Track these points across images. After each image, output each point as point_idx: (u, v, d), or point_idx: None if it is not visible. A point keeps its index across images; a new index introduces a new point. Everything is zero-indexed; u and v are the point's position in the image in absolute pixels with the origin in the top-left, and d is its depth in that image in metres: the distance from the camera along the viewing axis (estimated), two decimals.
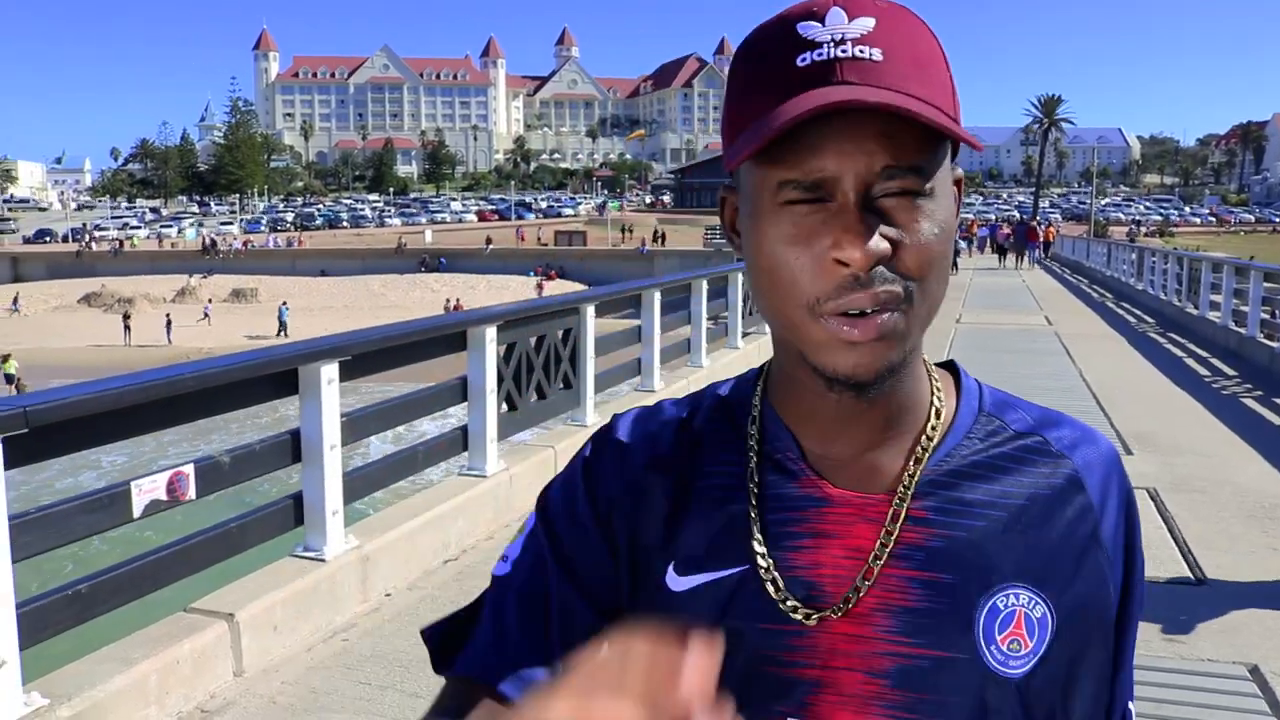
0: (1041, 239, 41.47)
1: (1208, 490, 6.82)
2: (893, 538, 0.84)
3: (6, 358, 35.82)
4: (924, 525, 0.85)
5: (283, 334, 41.12)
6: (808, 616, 0.83)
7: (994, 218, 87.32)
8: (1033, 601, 0.83)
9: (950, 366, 0.96)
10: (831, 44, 0.78)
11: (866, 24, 0.78)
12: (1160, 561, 5.40)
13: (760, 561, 0.85)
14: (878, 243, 0.76)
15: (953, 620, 0.83)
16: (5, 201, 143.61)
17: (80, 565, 8.19)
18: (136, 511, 3.68)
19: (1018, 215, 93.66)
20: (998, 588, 0.83)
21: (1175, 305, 19.12)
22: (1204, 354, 14.20)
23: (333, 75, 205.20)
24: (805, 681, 0.84)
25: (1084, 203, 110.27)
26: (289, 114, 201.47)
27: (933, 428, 0.89)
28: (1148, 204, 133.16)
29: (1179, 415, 9.72)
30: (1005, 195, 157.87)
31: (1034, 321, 18.35)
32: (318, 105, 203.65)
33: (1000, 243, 40.20)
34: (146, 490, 3.72)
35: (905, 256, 0.78)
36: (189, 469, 3.93)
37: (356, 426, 5.00)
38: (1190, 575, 5.21)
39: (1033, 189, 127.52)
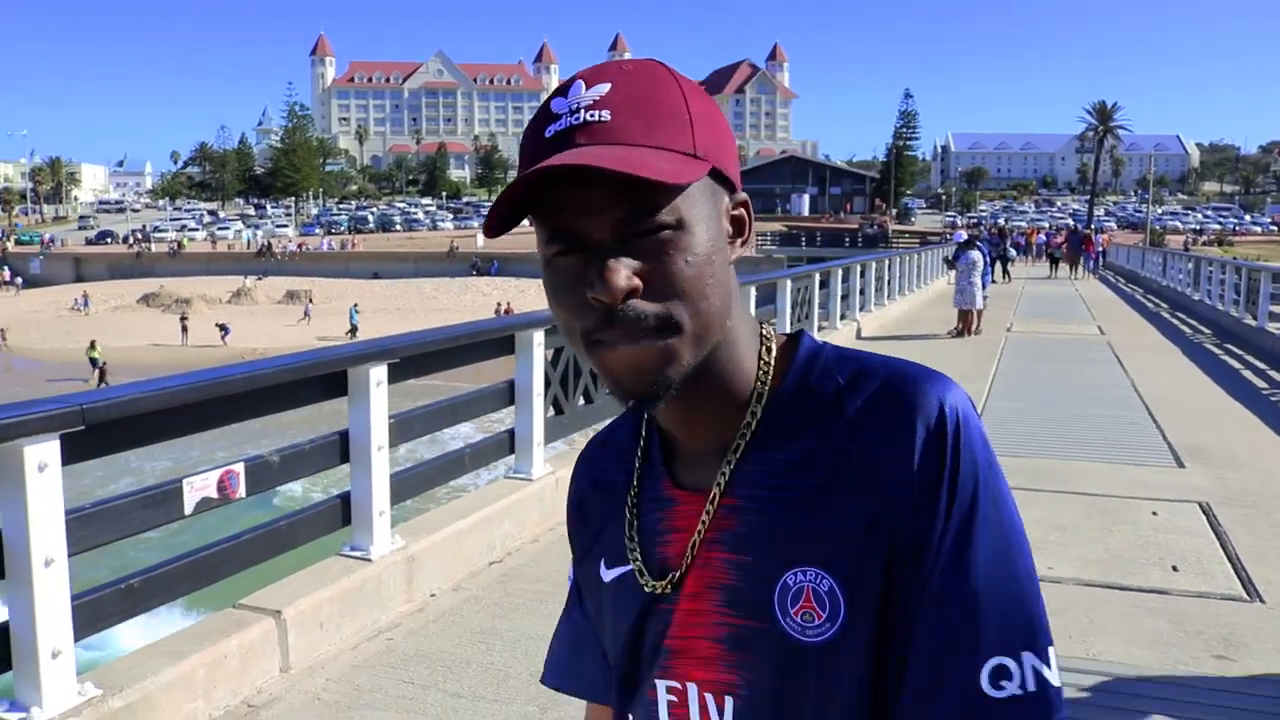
0: (1099, 248, 40.78)
1: (1261, 505, 6.69)
2: (705, 526, 0.97)
3: (93, 344, 39.29)
4: (735, 512, 0.96)
5: (353, 337, 41.62)
6: (656, 590, 0.99)
7: (1048, 225, 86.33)
8: (819, 577, 0.91)
9: (796, 337, 1.03)
10: (568, 113, 0.90)
11: (600, 90, 0.90)
12: (1212, 576, 5.32)
13: (634, 557, 1.02)
14: (626, 279, 0.87)
15: (756, 596, 0.94)
16: (98, 205, 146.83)
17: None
18: (188, 508, 3.75)
19: (1071, 223, 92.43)
20: (787, 567, 0.93)
21: (1233, 316, 18.75)
22: (1262, 366, 13.93)
23: (388, 80, 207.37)
24: (670, 650, 1.00)
25: (1140, 211, 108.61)
26: (344, 118, 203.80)
27: (750, 417, 0.98)
28: (1207, 212, 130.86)
29: (1234, 428, 9.54)
30: (1059, 203, 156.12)
31: (1087, 331, 18.12)
32: (373, 110, 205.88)
33: (1052, 251, 39.49)
34: (198, 488, 3.79)
35: (659, 286, 0.88)
36: (239, 467, 4.00)
37: (404, 428, 5.06)
38: (1243, 591, 5.13)
39: (1087, 197, 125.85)
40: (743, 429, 0.98)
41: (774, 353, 1.01)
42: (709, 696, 0.98)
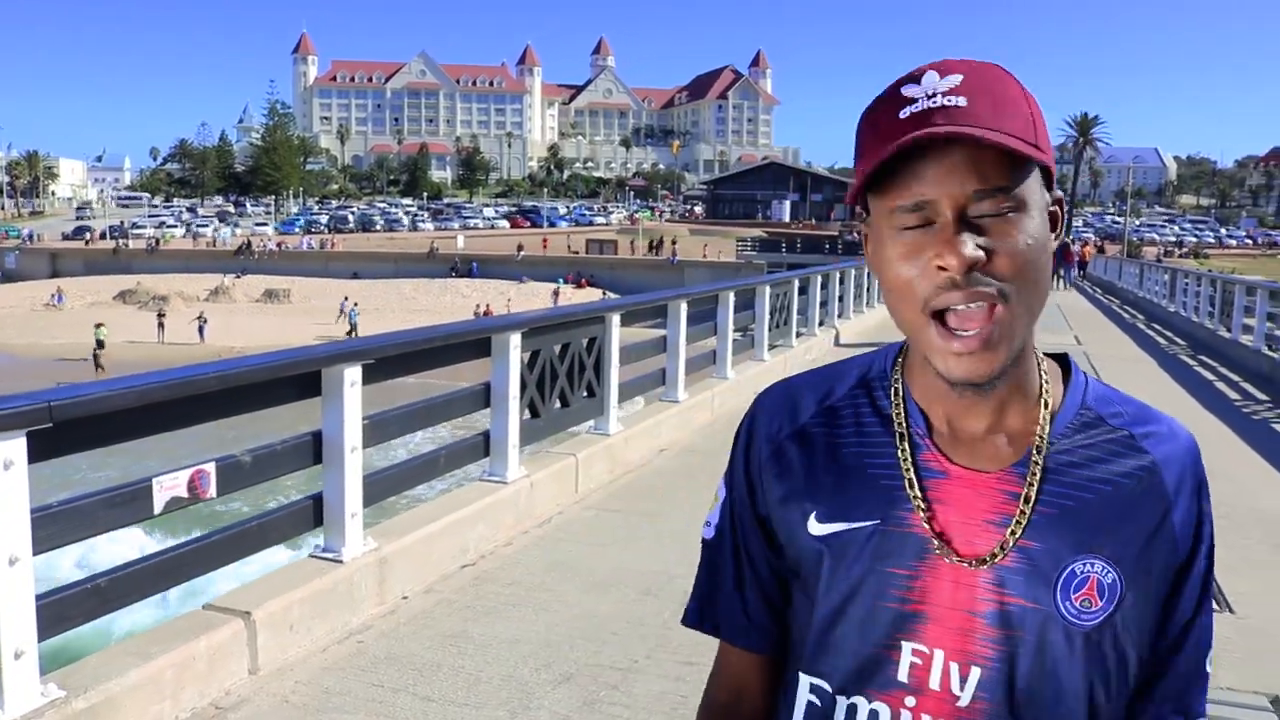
0: (1077, 259, 40.80)
1: (1233, 516, 6.73)
2: (1027, 516, 1.05)
3: (100, 325, 40.62)
4: (1022, 502, 1.05)
5: (353, 335, 41.47)
6: (949, 557, 1.05)
7: None
8: (1105, 570, 1.04)
9: (1062, 359, 1.14)
10: (925, 98, 0.98)
11: (954, 80, 0.99)
12: None
13: (921, 520, 1.06)
14: (972, 251, 0.96)
15: (1038, 579, 1.03)
16: (119, 198, 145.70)
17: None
18: (157, 508, 3.71)
19: None
20: (1078, 557, 1.04)
21: (1208, 328, 18.91)
22: (1235, 378, 14.05)
23: (370, 80, 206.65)
24: (918, 615, 1.06)
25: (1118, 222, 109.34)
26: (326, 117, 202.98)
27: (1043, 419, 1.07)
28: (1184, 225, 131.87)
29: (1207, 439, 9.54)
30: None
31: (1064, 341, 18.19)
32: (354, 109, 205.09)
33: None
34: (168, 487, 3.75)
35: (997, 262, 0.97)
36: (210, 467, 3.96)
37: (378, 429, 5.02)
38: (1213, 603, 5.14)
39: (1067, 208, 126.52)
40: (1039, 426, 1.07)
41: (1044, 362, 1.12)
42: (954, 665, 1.04)
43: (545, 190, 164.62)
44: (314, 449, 4.63)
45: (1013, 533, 1.04)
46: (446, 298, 58.43)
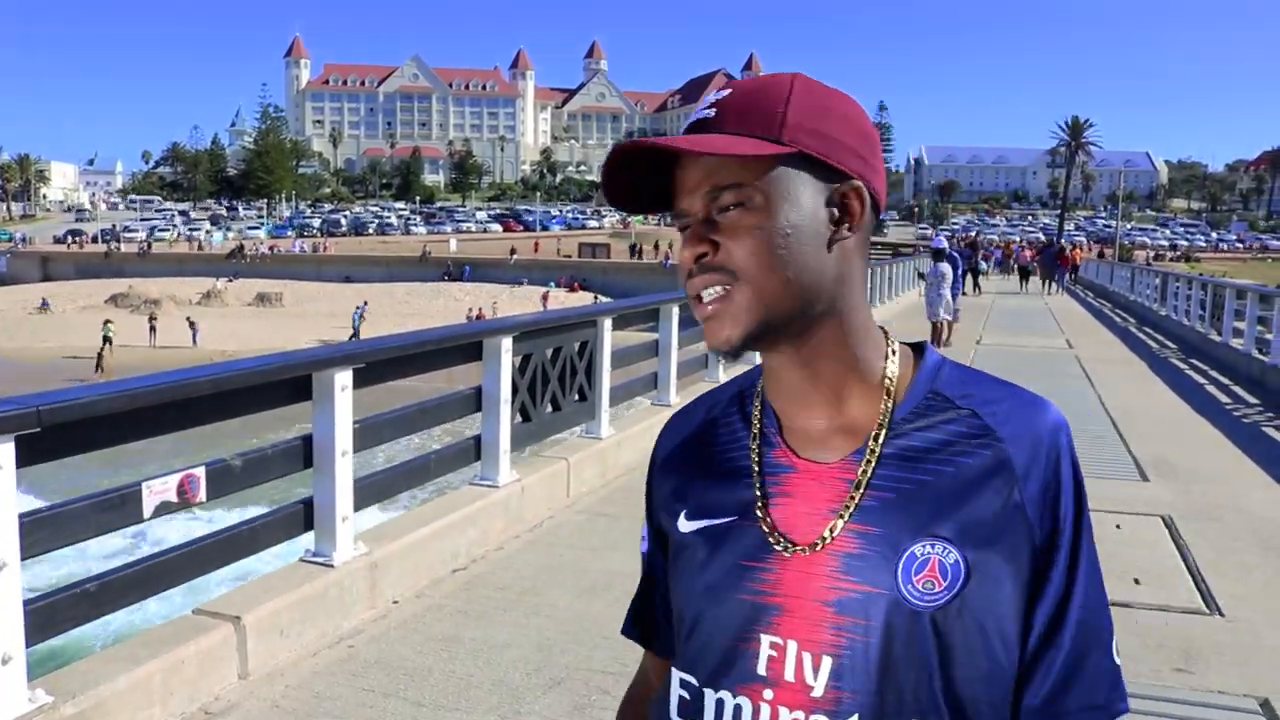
0: (1070, 262, 40.54)
1: (1224, 519, 6.76)
2: (855, 501, 1.07)
3: (108, 322, 42.05)
4: (867, 488, 1.07)
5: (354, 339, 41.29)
6: (787, 549, 1.07)
7: (1018, 238, 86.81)
8: (947, 551, 1.03)
9: (919, 347, 1.17)
10: (698, 113, 1.08)
11: (721, 94, 1.07)
12: (1173, 590, 5.36)
13: (758, 512, 1.10)
14: (697, 247, 1.05)
15: (880, 563, 1.04)
16: (130, 202, 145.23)
17: None
18: (147, 512, 3.70)
19: (1042, 237, 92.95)
20: (918, 539, 1.04)
21: (1198, 331, 18.97)
22: (1226, 381, 14.09)
23: (363, 84, 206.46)
24: (772, 607, 1.07)
25: (1109, 226, 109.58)
26: (318, 121, 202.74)
27: (885, 405, 1.10)
28: (1176, 229, 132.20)
29: (1198, 442, 9.64)
30: (1030, 217, 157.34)
31: (1055, 344, 18.26)
32: (347, 113, 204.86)
33: (1024, 266, 38.79)
34: (157, 491, 3.74)
35: (727, 248, 1.04)
36: (200, 471, 3.96)
37: (369, 433, 5.02)
38: (1203, 605, 5.17)
39: (1058, 211, 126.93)
40: (880, 416, 1.09)
41: (897, 355, 1.13)
42: (807, 655, 1.05)
43: (538, 194, 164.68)
44: (304, 453, 4.62)
45: (840, 516, 1.06)
46: (439, 301, 58.34)
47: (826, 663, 1.04)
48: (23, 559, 3.17)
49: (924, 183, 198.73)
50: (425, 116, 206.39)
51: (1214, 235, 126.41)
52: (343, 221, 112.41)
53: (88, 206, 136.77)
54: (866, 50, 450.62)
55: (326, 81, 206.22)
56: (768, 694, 1.06)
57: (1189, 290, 21.26)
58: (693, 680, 1.12)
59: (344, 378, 4.62)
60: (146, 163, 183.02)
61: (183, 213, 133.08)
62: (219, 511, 10.46)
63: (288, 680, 4.06)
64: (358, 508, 4.79)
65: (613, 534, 6.10)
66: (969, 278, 28.09)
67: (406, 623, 4.69)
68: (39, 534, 3.32)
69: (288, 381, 4.54)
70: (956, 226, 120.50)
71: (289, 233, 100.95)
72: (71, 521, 3.50)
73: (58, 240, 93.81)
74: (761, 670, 1.07)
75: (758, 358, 1.15)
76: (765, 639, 1.07)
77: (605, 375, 7.44)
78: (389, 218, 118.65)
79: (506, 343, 5.97)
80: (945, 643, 1.03)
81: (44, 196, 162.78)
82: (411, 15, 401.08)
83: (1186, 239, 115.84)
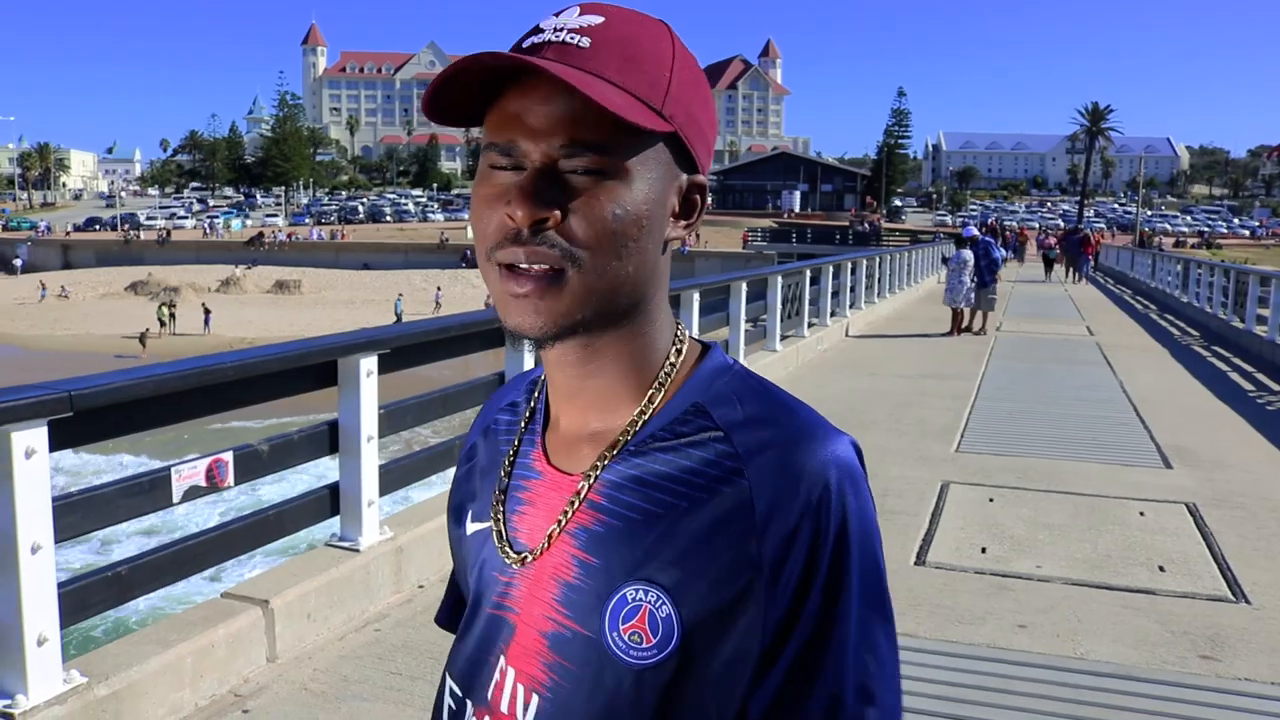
0: (1094, 250, 39.45)
1: (1249, 506, 6.72)
2: (567, 518, 0.93)
3: (165, 304, 45.29)
4: (595, 509, 0.92)
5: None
6: (512, 562, 0.96)
7: (1038, 225, 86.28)
8: (660, 601, 0.87)
9: (705, 349, 0.99)
10: (551, 31, 0.88)
11: (591, 20, 0.88)
12: (1199, 577, 5.34)
13: (496, 519, 0.99)
14: (542, 207, 0.85)
15: (592, 601, 0.89)
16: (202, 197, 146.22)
17: None
18: (176, 496, 3.73)
19: (1062, 224, 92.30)
20: (630, 582, 0.88)
21: (1221, 318, 18.85)
22: (1249, 369, 13.99)
23: (379, 71, 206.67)
24: (508, 624, 0.96)
25: (1129, 212, 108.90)
26: (335, 108, 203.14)
27: (637, 416, 0.94)
28: (1197, 214, 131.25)
29: (1221, 430, 9.58)
30: (1049, 204, 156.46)
31: (1075, 331, 18.18)
32: (364, 100, 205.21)
33: (1046, 252, 37.73)
34: (186, 476, 3.77)
35: (573, 225, 0.86)
36: (228, 456, 3.98)
37: (394, 419, 5.04)
38: (1229, 592, 5.14)
39: (1077, 198, 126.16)
40: (627, 427, 0.94)
41: (682, 356, 0.97)
42: (520, 688, 0.93)
43: None
44: (330, 438, 4.64)
45: (549, 534, 0.93)
46: (457, 288, 58.43)
47: (535, 701, 0.92)
48: (55, 541, 3.20)
49: (942, 169, 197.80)
50: None
51: (1236, 221, 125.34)
52: (360, 209, 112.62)
53: (116, 194, 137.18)
54: (886, 35, 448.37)
55: (343, 69, 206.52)
56: (487, 719, 0.96)
57: (1211, 277, 21.11)
58: (458, 690, 1.01)
59: (369, 363, 4.63)
60: (165, 151, 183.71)
61: (201, 200, 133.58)
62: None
63: (315, 664, 4.09)
64: (383, 493, 4.81)
65: None
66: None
67: (432, 606, 4.66)
68: (71, 517, 3.35)
69: (314, 367, 4.56)
70: (975, 213, 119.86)
71: (306, 220, 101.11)
72: (102, 505, 3.53)
73: (77, 228, 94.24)
74: (489, 693, 0.96)
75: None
76: (498, 661, 0.96)
77: None
78: (406, 205, 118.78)
79: None
80: (659, 710, 0.87)
81: (64, 185, 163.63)
82: (428, 2, 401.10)
83: (1208, 225, 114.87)
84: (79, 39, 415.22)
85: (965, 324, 16.71)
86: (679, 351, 0.97)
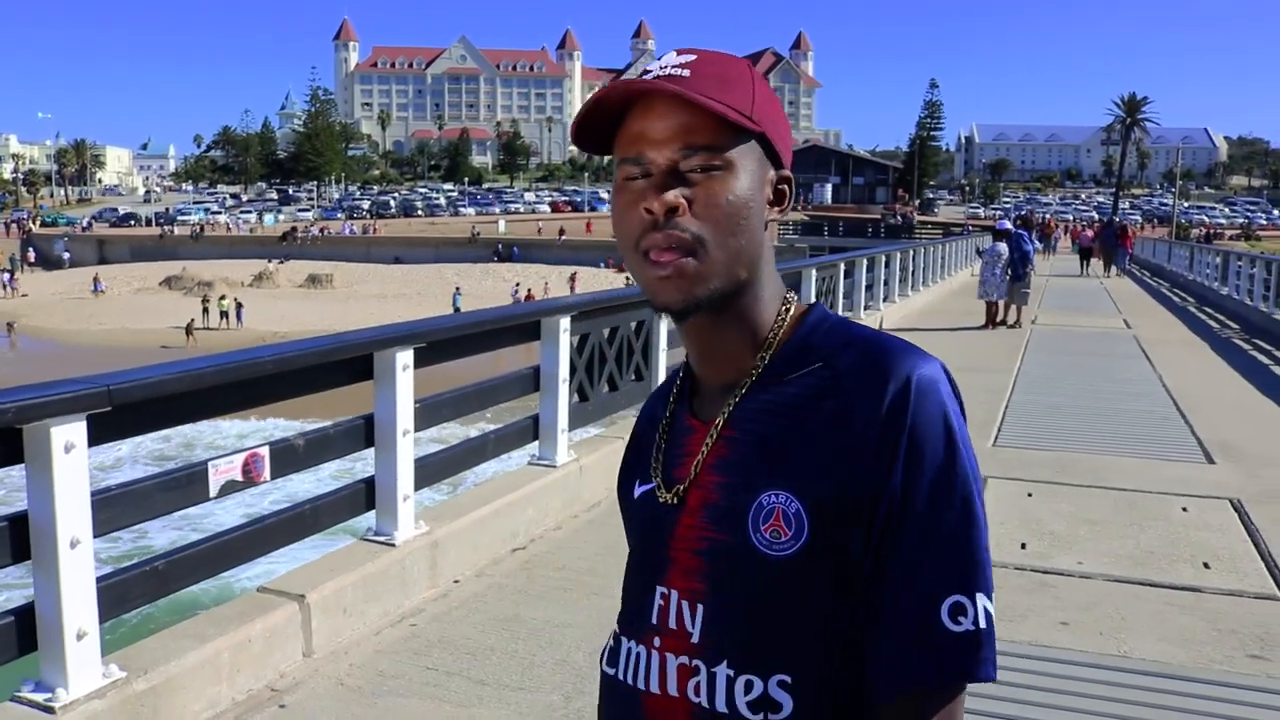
0: (1130, 242, 38.53)
1: None
2: (706, 452, 1.16)
3: (223, 297, 46.19)
4: (731, 442, 1.15)
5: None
6: (665, 501, 1.18)
7: (1071, 218, 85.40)
8: (788, 500, 1.09)
9: (811, 306, 1.23)
10: (658, 69, 1.13)
11: (687, 58, 1.13)
12: (1245, 575, 5.24)
13: (655, 475, 1.21)
14: (673, 196, 1.09)
15: (737, 514, 1.11)
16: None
17: None
18: (213, 491, 3.73)
19: (1096, 216, 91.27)
20: (765, 491, 1.10)
21: (1262, 311, 18.55)
22: None
23: (410, 65, 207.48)
24: (666, 558, 1.17)
25: (1165, 204, 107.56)
26: (367, 103, 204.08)
27: (758, 362, 1.17)
28: (1235, 206, 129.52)
29: (1265, 425, 9.42)
30: (1084, 195, 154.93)
31: (1112, 324, 17.96)
32: (395, 95, 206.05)
33: (1085, 246, 36.16)
34: (223, 470, 3.77)
35: (697, 210, 1.09)
36: (264, 450, 3.97)
37: (430, 413, 5.02)
38: (1277, 590, 5.04)
39: (1112, 189, 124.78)
40: (750, 370, 1.17)
41: (790, 313, 1.19)
42: (685, 604, 1.13)
43: (586, 175, 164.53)
44: (366, 432, 4.63)
45: (696, 468, 1.16)
46: (488, 282, 58.58)
47: (700, 610, 1.12)
48: (94, 536, 3.20)
49: (975, 161, 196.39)
50: (473, 98, 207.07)
51: (1276, 213, 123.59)
52: (391, 203, 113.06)
53: (153, 189, 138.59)
54: (918, 27, 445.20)
55: (375, 64, 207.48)
56: (657, 641, 1.15)
57: (1252, 269, 20.78)
58: (617, 629, 1.22)
59: (405, 357, 4.62)
60: (198, 146, 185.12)
61: (234, 196, 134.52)
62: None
63: (351, 659, 4.08)
64: (417, 487, 4.80)
65: None
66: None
67: (468, 602, 4.70)
68: (109, 512, 3.35)
69: (349, 361, 4.55)
70: (1008, 205, 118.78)
71: (338, 215, 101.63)
72: (140, 500, 3.53)
73: (112, 224, 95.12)
74: (654, 619, 1.16)
75: None
76: (659, 589, 1.16)
77: (662, 355, 7.40)
78: (437, 199, 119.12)
79: (565, 322, 5.95)
80: (807, 592, 1.08)
81: (99, 180, 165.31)
82: None
83: (1246, 216, 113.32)
84: (113, 35, 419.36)
85: (1000, 317, 16.55)
86: (787, 310, 1.19)
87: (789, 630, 1.08)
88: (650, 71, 1.13)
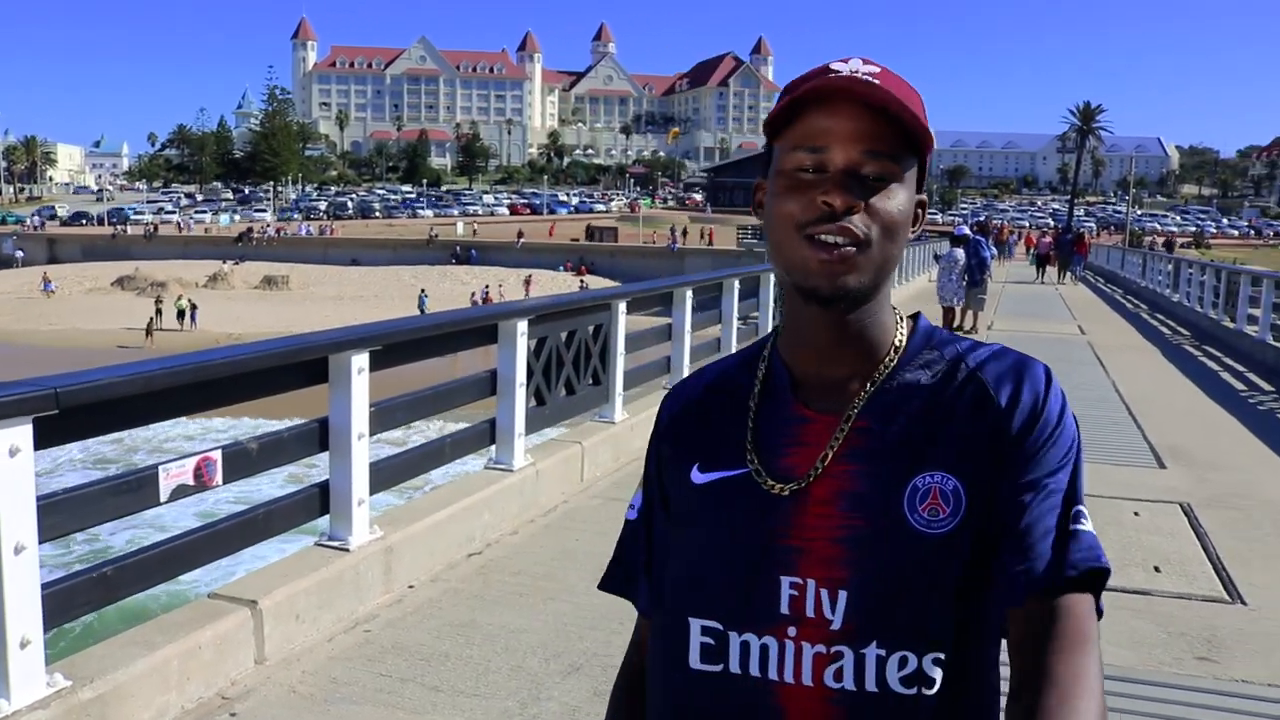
0: (1085, 249, 39.00)
1: (1243, 507, 6.70)
2: (839, 441, 1.19)
3: (180, 297, 45.52)
4: (866, 432, 1.19)
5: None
6: (780, 491, 1.19)
7: (1028, 224, 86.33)
8: (945, 479, 1.15)
9: (916, 316, 1.30)
10: (848, 70, 1.17)
11: (875, 69, 1.18)
12: (1193, 578, 5.31)
13: (753, 463, 1.22)
14: (853, 198, 1.14)
15: (885, 498, 1.15)
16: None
17: None
18: (163, 496, 3.67)
19: (1051, 223, 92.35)
20: (917, 473, 1.15)
21: (1211, 318, 18.86)
22: (1240, 368, 14.00)
23: (370, 66, 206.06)
24: (789, 548, 1.17)
25: (1119, 212, 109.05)
26: (325, 103, 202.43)
27: (887, 361, 1.23)
28: (1187, 215, 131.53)
29: (1214, 430, 9.57)
30: (1040, 202, 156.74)
31: (1067, 331, 18.18)
32: (354, 95, 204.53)
33: (1042, 254, 36.26)
34: (174, 475, 3.71)
35: (870, 214, 1.15)
36: (216, 455, 3.92)
37: (385, 416, 4.98)
38: (1225, 593, 5.12)
39: (1068, 197, 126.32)
40: (881, 365, 1.22)
41: (903, 320, 1.27)
42: (824, 592, 1.14)
43: (545, 177, 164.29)
44: (320, 436, 4.58)
45: (823, 457, 1.18)
46: (446, 284, 58.23)
47: (842, 596, 1.14)
48: (40, 541, 3.14)
49: (933, 167, 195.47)
50: (432, 99, 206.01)
51: (1225, 221, 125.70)
52: (349, 204, 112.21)
53: (105, 188, 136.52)
54: (876, 33, 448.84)
55: (334, 64, 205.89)
56: (791, 630, 1.15)
57: (1202, 277, 21.12)
58: (718, 626, 1.20)
59: (360, 360, 4.57)
60: (153, 145, 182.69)
61: (189, 195, 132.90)
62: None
63: (304, 665, 4.03)
64: (373, 491, 4.75)
65: None
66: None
67: (422, 607, 4.66)
68: (56, 517, 3.28)
69: (304, 364, 4.50)
70: (965, 211, 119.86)
71: (295, 216, 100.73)
72: (88, 505, 3.46)
73: (63, 223, 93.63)
74: (784, 609, 1.16)
75: (770, 326, 1.19)
76: (785, 580, 1.16)
77: (619, 359, 7.39)
78: (395, 201, 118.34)
79: (522, 326, 5.92)
80: (952, 565, 1.14)
81: (50, 179, 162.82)
82: None
83: (1197, 224, 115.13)
84: (65, 32, 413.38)
85: (957, 323, 16.70)
86: (900, 317, 1.27)
87: (936, 605, 1.13)
88: (837, 72, 1.17)
